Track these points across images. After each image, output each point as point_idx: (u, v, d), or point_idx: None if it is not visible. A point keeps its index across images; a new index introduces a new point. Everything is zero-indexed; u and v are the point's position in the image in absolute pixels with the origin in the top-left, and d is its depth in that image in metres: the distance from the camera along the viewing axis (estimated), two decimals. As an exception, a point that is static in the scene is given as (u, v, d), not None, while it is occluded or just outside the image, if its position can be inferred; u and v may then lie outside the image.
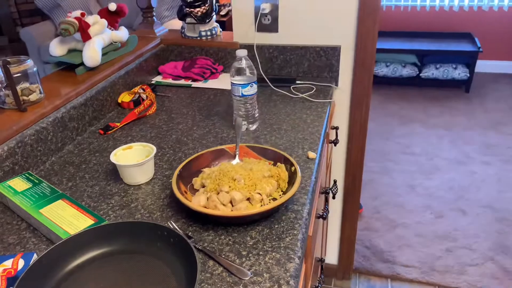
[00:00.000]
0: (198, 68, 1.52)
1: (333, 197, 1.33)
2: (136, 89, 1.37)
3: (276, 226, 0.80)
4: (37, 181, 0.89)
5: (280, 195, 0.86)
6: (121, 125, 1.20)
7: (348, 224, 1.80)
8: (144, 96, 1.35)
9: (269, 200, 0.85)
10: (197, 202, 0.81)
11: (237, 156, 0.96)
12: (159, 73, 1.56)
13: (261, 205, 0.83)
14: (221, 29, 1.66)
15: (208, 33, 1.59)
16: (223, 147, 0.98)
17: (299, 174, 0.86)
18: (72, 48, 1.27)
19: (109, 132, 1.17)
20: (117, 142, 1.13)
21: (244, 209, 0.80)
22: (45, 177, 0.98)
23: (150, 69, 1.52)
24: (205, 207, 0.82)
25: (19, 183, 0.88)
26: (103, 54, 1.32)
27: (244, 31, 1.52)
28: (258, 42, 1.51)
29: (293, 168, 0.88)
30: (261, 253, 0.74)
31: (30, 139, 0.97)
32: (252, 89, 1.11)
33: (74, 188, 0.94)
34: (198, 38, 1.59)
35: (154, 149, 0.96)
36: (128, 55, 1.41)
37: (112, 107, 1.30)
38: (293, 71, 1.53)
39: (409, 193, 2.59)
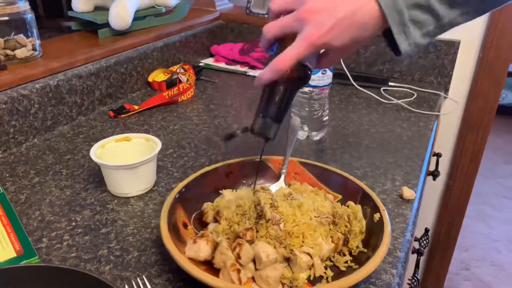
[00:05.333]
0: (259, 52, 1.17)
1: (420, 254, 0.91)
2: (175, 67, 1.06)
3: (331, 327, 0.41)
4: (-19, 169, 0.60)
5: (346, 263, 0.47)
6: (140, 109, 0.89)
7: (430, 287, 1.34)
8: (183, 78, 1.03)
9: (324, 265, 0.47)
10: (194, 252, 0.46)
11: (282, 176, 0.59)
12: (211, 55, 1.24)
13: (309, 275, 0.45)
14: (297, 9, 1.30)
15: (280, 10, 1.24)
16: (263, 158, 0.61)
17: (388, 230, 0.46)
18: (99, 4, 0.99)
19: (122, 115, 0.87)
20: (127, 130, 0.82)
21: (273, 281, 0.43)
22: (9, 164, 0.68)
23: (200, 47, 1.20)
24: (210, 261, 0.46)
25: (-45, 168, 0.60)
26: (140, 18, 1.03)
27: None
28: (342, 26, 1.13)
29: (376, 216, 0.49)
30: None
31: (-2, 108, 0.69)
32: (325, 78, 0.73)
33: (38, 187, 0.63)
34: (266, 15, 1.25)
35: (158, 145, 0.62)
36: (173, 25, 1.10)
37: (139, 85, 1.00)
38: (386, 69, 1.13)
39: (512, 251, 2.01)
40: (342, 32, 0.44)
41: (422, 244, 0.97)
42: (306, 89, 0.74)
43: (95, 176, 0.66)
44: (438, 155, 1.07)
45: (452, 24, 0.46)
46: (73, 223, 0.56)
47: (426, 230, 1.02)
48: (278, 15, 0.49)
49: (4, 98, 0.70)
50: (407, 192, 0.62)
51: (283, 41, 0.48)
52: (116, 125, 0.83)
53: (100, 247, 0.52)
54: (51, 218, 0.56)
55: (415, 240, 0.99)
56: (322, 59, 0.53)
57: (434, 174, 1.02)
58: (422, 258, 1.32)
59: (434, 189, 1.22)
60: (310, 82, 0.73)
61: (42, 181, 0.65)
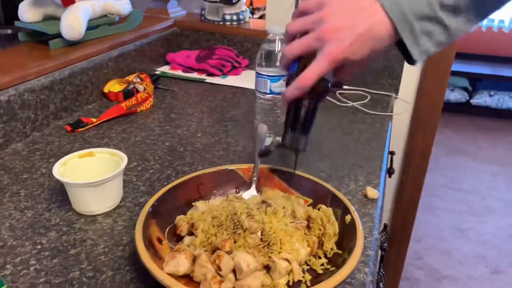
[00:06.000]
0: (216, 59, 1.18)
1: (384, 250, 0.95)
2: (131, 77, 1.04)
3: (314, 329, 0.43)
4: None
5: (322, 265, 0.49)
6: (98, 122, 0.86)
7: (388, 280, 1.40)
8: (140, 87, 1.01)
9: (302, 269, 0.48)
10: (173, 267, 0.45)
11: (253, 184, 0.60)
12: (167, 63, 1.23)
13: (288, 280, 0.47)
14: (250, 15, 1.32)
15: (234, 17, 1.25)
16: (233, 167, 0.62)
17: (360, 232, 0.48)
18: (49, 14, 0.95)
19: (79, 129, 0.83)
20: (87, 144, 0.79)
21: (256, 290, 0.44)
22: (-41, 188, 0.64)
23: (156, 56, 1.19)
24: (188, 275, 0.46)
25: None
26: (93, 27, 1.00)
27: (280, 15, 1.17)
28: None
29: (348, 218, 0.51)
30: None
31: None
32: (287, 85, 0.75)
33: (-5, 211, 0.60)
34: (221, 23, 1.25)
35: (125, 160, 0.61)
36: (127, 33, 1.08)
37: (94, 97, 0.97)
38: (339, 73, 1.17)
39: (458, 238, 2.15)
40: (361, 46, 0.47)
41: (382, 239, 1.02)
42: (268, 96, 0.76)
43: (58, 194, 0.63)
44: (392, 153, 1.13)
45: (460, 32, 0.49)
46: (39, 246, 0.53)
47: (385, 226, 1.08)
48: (294, 36, 0.52)
49: (-50, 117, 0.65)
50: (371, 192, 0.65)
51: (303, 59, 0.50)
52: (74, 139, 0.80)
53: (71, 269, 0.50)
54: (14, 243, 0.53)
55: (383, 246, 1.03)
56: (339, 71, 0.53)
57: (390, 172, 1.08)
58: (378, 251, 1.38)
59: (389, 185, 1.28)
60: (273, 89, 0.74)
61: (-1, 203, 0.61)
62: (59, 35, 0.92)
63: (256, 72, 0.75)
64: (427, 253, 2.04)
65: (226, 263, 0.44)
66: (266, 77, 0.73)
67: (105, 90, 0.99)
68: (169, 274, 0.44)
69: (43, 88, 0.81)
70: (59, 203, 0.61)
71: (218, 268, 0.44)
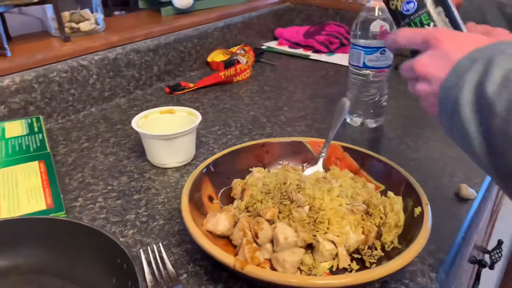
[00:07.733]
0: (324, 35, 1.12)
1: (491, 267, 0.80)
2: (235, 49, 1.05)
3: (347, 324, 0.37)
4: (36, 130, 0.64)
5: (373, 257, 0.42)
6: (194, 87, 0.89)
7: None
8: (242, 59, 1.01)
9: (349, 258, 0.42)
10: (212, 225, 0.44)
11: (321, 160, 0.55)
12: (275, 38, 1.21)
13: (331, 266, 0.41)
14: (370, -8, 1.22)
15: (350, -7, 1.17)
16: (302, 139, 0.57)
17: (427, 225, 0.40)
18: (166, -17, 1.01)
19: (177, 92, 0.88)
20: (180, 105, 0.82)
21: (290, 265, 0.40)
22: (65, 130, 0.72)
23: (264, 30, 1.18)
24: (227, 236, 0.44)
25: (15, 128, 0.64)
26: (203, -2, 1.03)
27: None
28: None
29: (417, 210, 0.43)
30: None
31: (59, 77, 0.73)
32: (384, 59, 0.67)
33: (86, 152, 0.66)
34: (336, -2, 1.19)
35: (198, 118, 0.61)
36: (237, 6, 1.09)
37: (198, 64, 1.01)
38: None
39: None
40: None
41: (494, 257, 0.86)
42: (362, 71, 0.68)
43: (140, 146, 0.67)
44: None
45: None
46: (109, 187, 0.57)
47: (499, 242, 0.91)
48: None
49: (65, 67, 0.74)
50: (466, 190, 0.54)
51: None
52: (170, 100, 0.85)
53: (129, 212, 0.52)
54: (90, 181, 0.58)
55: (485, 253, 0.88)
56: None
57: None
58: (496, 275, 1.18)
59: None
60: (367, 63, 0.67)
61: (91, 146, 0.67)
62: (169, 3, 0.97)
63: (351, 43, 0.68)
64: None
65: (264, 232, 0.41)
66: (360, 48, 0.66)
67: (209, 59, 1.02)
68: (208, 231, 0.43)
69: (148, 50, 0.86)
70: (139, 153, 0.65)
71: (256, 235, 0.41)
